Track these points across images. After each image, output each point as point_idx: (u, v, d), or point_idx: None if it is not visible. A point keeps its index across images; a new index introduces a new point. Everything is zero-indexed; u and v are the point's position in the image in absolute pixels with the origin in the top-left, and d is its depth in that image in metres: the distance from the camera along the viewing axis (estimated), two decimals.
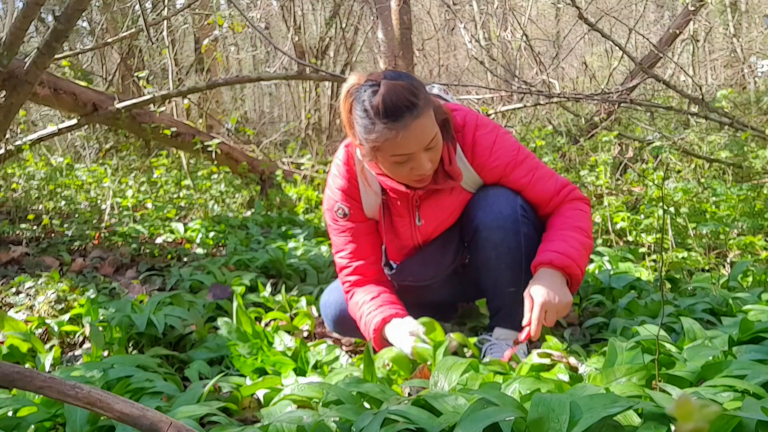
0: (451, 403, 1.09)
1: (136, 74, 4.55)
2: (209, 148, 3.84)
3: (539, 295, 1.43)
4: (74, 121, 3.67)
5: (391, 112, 1.37)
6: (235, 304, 1.83)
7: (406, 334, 1.51)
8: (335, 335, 1.93)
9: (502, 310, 1.65)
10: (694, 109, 3.84)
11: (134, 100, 3.65)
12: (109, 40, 4.31)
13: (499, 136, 1.58)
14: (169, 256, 2.96)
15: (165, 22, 4.97)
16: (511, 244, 1.57)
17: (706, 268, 2.47)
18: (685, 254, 2.48)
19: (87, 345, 1.86)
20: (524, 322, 1.45)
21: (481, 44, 5.81)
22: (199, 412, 1.19)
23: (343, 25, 8.20)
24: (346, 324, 1.79)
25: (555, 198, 1.61)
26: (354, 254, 1.68)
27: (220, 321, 1.84)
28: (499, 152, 1.57)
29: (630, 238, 2.97)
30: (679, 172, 3.91)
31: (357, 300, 1.67)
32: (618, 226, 2.99)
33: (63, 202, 3.61)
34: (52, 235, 3.14)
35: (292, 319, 2.05)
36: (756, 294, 1.81)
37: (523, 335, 1.46)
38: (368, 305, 1.63)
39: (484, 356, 1.62)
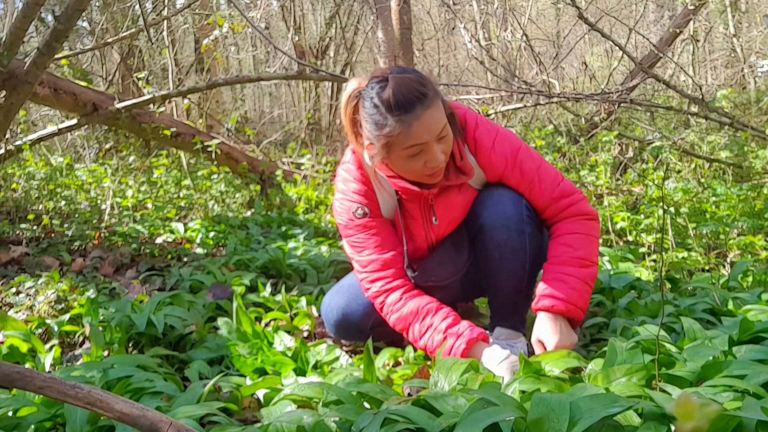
0: (451, 403, 1.09)
1: (136, 74, 4.55)
2: (209, 148, 3.84)
3: (550, 343, 1.47)
4: (74, 121, 3.67)
5: (403, 105, 1.37)
6: (235, 304, 1.83)
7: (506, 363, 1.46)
8: (333, 335, 1.92)
9: (504, 309, 1.65)
10: (694, 109, 3.84)
11: (134, 100, 3.65)
12: (109, 40, 4.31)
13: (498, 136, 1.58)
14: (169, 256, 2.96)
15: (165, 22, 4.97)
16: (516, 245, 1.56)
17: (706, 268, 2.47)
18: (685, 254, 2.48)
19: (87, 345, 1.86)
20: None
21: (481, 44, 5.81)
22: (199, 412, 1.19)
23: (343, 25, 8.21)
24: (348, 329, 1.77)
25: (552, 206, 1.59)
26: (381, 246, 1.61)
27: (220, 321, 1.84)
28: (498, 152, 1.57)
29: (630, 238, 2.97)
30: (679, 172, 3.91)
31: (413, 308, 1.57)
32: (618, 226, 2.99)
33: (63, 202, 3.61)
34: (52, 235, 3.14)
35: (292, 319, 2.05)
36: (756, 294, 1.80)
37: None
38: (437, 318, 1.55)
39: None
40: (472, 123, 1.58)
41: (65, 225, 3.17)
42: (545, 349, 1.48)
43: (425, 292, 1.65)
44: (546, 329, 1.49)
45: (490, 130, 1.58)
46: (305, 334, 2.00)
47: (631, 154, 4.34)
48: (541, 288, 1.54)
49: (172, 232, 3.28)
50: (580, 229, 1.57)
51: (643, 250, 2.67)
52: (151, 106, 3.82)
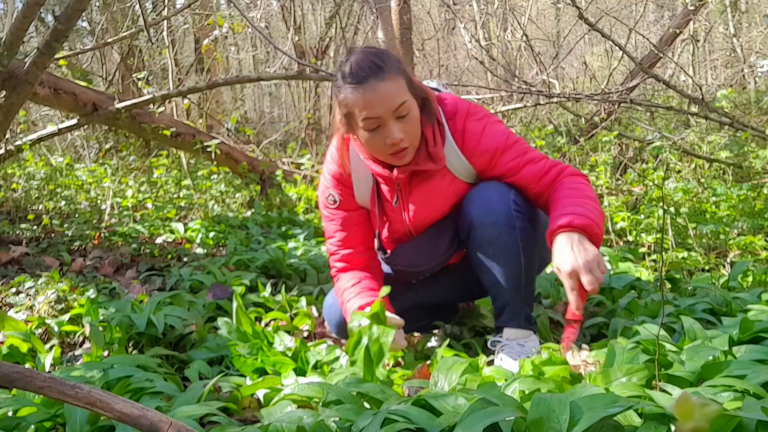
0: (451, 403, 1.09)
1: (135, 74, 4.55)
2: (209, 149, 3.84)
3: (564, 265, 1.37)
4: (74, 121, 3.67)
5: (356, 74, 1.44)
6: (235, 304, 1.83)
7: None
8: (335, 335, 1.93)
9: (507, 308, 1.64)
10: (694, 109, 3.84)
11: (134, 100, 3.65)
12: (109, 40, 4.31)
13: (489, 124, 1.61)
14: (169, 256, 2.96)
15: (165, 22, 4.98)
16: (507, 240, 1.56)
17: (706, 268, 2.47)
18: (685, 254, 2.48)
19: (87, 345, 1.86)
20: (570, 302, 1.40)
21: (481, 44, 5.81)
22: (199, 412, 1.19)
23: (343, 25, 8.20)
24: None
25: (546, 176, 1.59)
26: (343, 242, 1.72)
27: (220, 321, 1.84)
28: (489, 138, 1.59)
29: (630, 238, 2.98)
30: (679, 172, 3.91)
31: (340, 285, 1.71)
32: (618, 226, 2.99)
33: (63, 202, 3.61)
34: (52, 235, 3.14)
35: (292, 319, 2.05)
36: (756, 294, 1.80)
37: (569, 314, 1.41)
38: (349, 291, 1.67)
39: (496, 358, 1.61)
40: (463, 112, 1.61)
41: (65, 225, 3.17)
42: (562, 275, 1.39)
43: (400, 277, 1.73)
44: (560, 249, 1.39)
45: (481, 118, 1.62)
46: (305, 334, 2.00)
47: (631, 154, 4.35)
48: (553, 216, 1.48)
49: (172, 232, 3.28)
50: (579, 181, 1.57)
51: (643, 250, 2.67)
52: (151, 106, 3.82)
